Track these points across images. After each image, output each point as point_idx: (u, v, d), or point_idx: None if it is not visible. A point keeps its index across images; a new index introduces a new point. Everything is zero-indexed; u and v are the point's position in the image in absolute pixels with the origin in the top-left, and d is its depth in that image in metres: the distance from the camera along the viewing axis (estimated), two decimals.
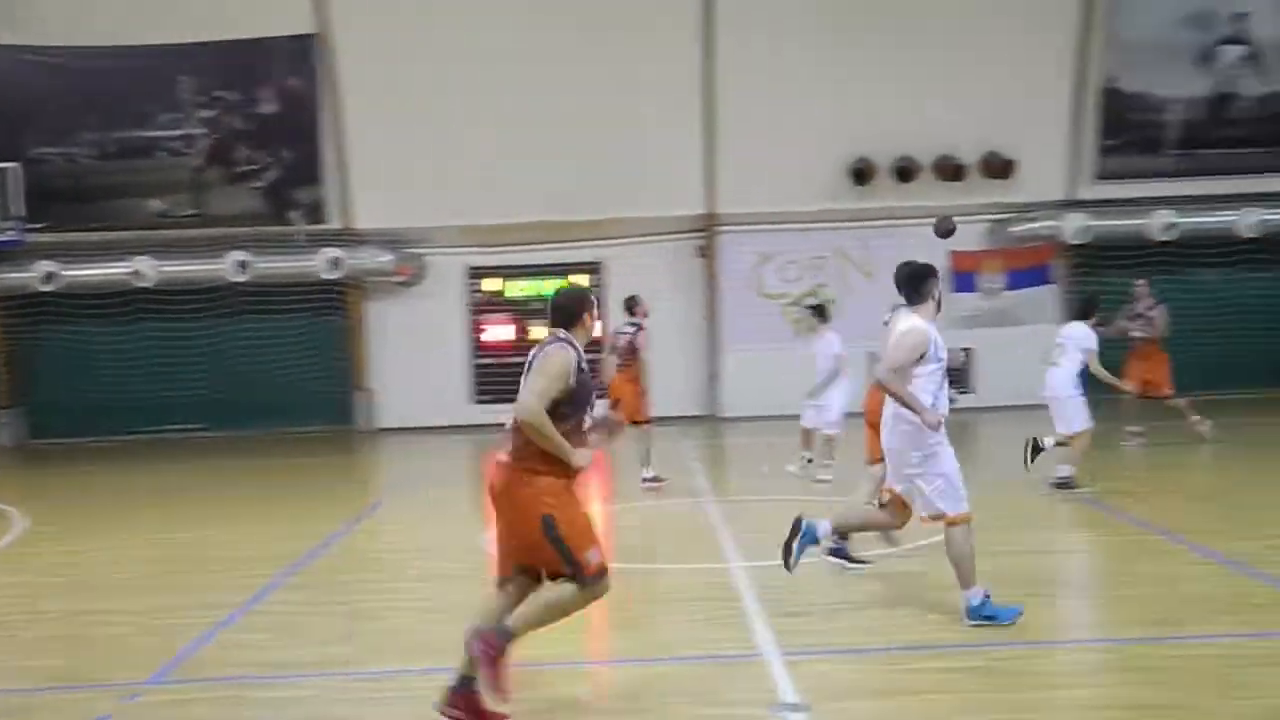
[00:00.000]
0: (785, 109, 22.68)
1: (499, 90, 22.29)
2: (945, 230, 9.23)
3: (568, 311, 6.85)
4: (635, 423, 14.30)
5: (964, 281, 23.40)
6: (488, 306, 23.96)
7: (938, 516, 8.28)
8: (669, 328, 23.59)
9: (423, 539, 12.63)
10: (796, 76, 22.61)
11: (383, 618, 9.38)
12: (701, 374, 23.86)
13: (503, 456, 6.63)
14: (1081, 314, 13.87)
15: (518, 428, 6.52)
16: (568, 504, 6.55)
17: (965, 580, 8.21)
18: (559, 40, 22.20)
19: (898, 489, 8.49)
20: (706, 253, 23.67)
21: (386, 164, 22.61)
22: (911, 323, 8.32)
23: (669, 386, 23.41)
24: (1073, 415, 13.43)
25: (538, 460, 6.48)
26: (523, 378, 6.63)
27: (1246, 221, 23.02)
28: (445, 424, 23.02)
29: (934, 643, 7.94)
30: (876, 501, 9.09)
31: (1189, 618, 8.24)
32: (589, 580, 6.52)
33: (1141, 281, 18.11)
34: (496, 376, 23.65)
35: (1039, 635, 8.03)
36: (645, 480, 14.99)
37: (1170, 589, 9.07)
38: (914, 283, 8.42)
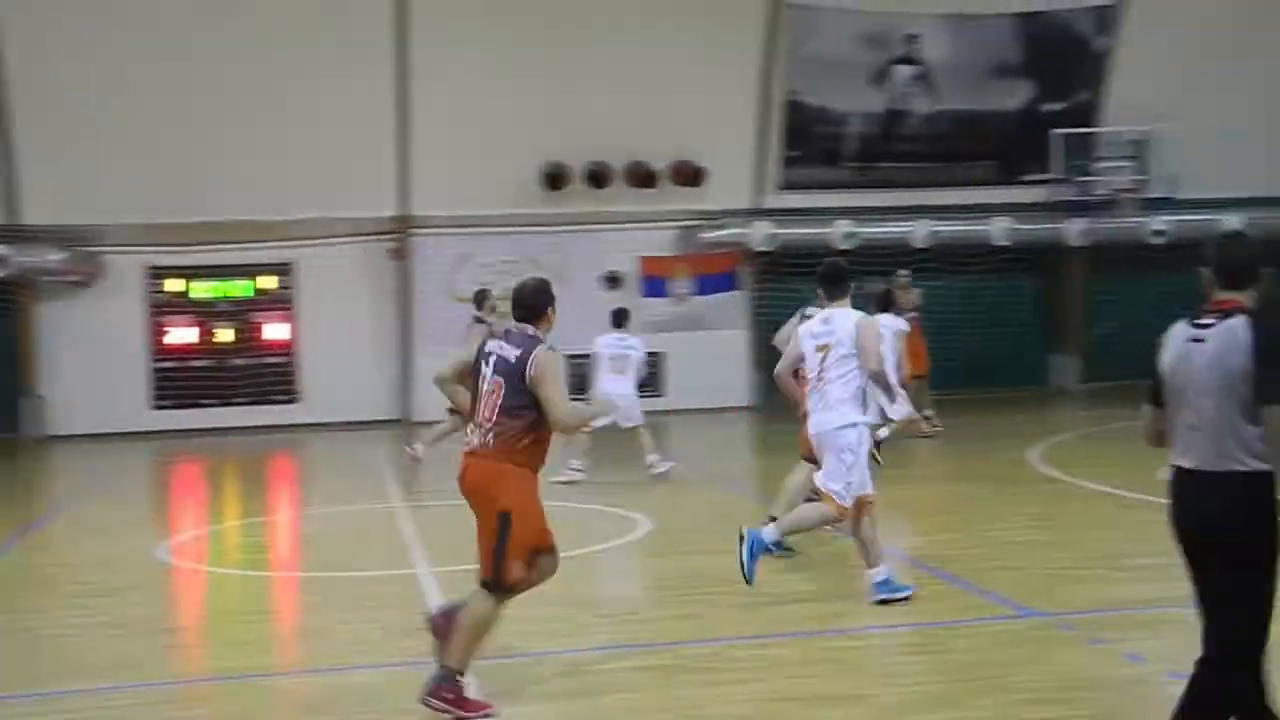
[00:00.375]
0: (481, 111, 22.58)
1: (183, 84, 21.36)
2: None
3: (534, 306, 6.97)
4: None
5: (654, 286, 23.88)
6: (170, 308, 22.93)
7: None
8: (363, 331, 23.22)
9: (95, 551, 11.96)
10: (492, 79, 22.54)
11: (46, 635, 8.82)
12: (395, 377, 23.50)
13: (478, 451, 6.68)
14: (882, 307, 14.56)
15: (496, 425, 6.62)
16: (529, 505, 6.67)
17: (873, 560, 8.70)
18: (246, 31, 21.45)
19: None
20: (401, 255, 23.33)
21: (58, 157, 21.37)
22: (857, 316, 8.77)
23: (361, 390, 23.09)
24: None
25: (517, 455, 6.61)
26: (484, 374, 6.75)
27: (919, 232, 24.29)
28: (123, 431, 21.91)
29: (619, 643, 8.02)
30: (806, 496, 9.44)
31: (866, 611, 8.59)
32: (502, 592, 6.61)
33: (905, 272, 18.82)
34: (179, 381, 22.73)
35: (721, 633, 8.22)
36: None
37: (848, 585, 9.44)
38: (838, 280, 8.91)
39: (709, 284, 24.22)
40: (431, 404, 23.45)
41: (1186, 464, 4.94)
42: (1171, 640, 7.64)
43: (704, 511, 13.29)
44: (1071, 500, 13.28)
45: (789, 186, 24.44)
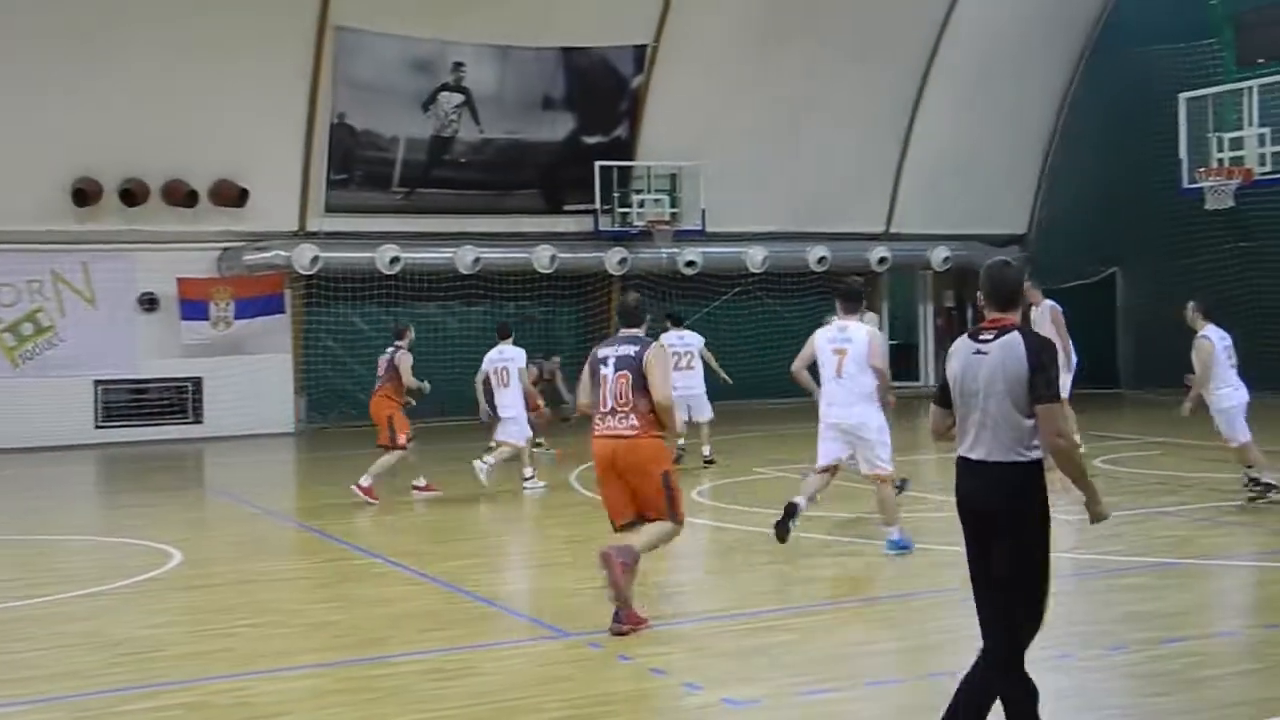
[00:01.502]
0: (8, 120, 21.05)
1: None
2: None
3: (637, 314, 9.01)
4: (389, 445, 14.76)
5: (193, 309, 22.98)
6: None
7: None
8: None
9: None
10: (24, 86, 21.04)
11: None
12: None
13: (623, 432, 8.51)
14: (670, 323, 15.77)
15: (634, 407, 8.49)
16: (671, 466, 8.90)
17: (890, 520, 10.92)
18: None
19: (843, 457, 11.00)
20: None
21: None
22: (868, 328, 10.92)
23: None
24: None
25: (657, 430, 8.60)
26: (611, 372, 8.56)
27: (465, 259, 24.54)
28: None
29: (141, 682, 7.63)
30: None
31: (398, 637, 8.56)
32: (680, 522, 8.75)
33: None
34: None
35: (254, 666, 7.97)
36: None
37: (382, 610, 9.38)
38: (854, 299, 10.91)
39: (251, 307, 23.52)
40: None
41: (975, 455, 5.70)
42: (689, 653, 8.07)
43: (236, 541, 12.86)
44: (602, 521, 13.72)
45: (335, 209, 24.13)
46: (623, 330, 8.94)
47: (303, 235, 23.86)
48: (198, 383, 23.21)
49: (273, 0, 22.40)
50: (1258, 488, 12.72)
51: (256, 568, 11.29)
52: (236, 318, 23.34)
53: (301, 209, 23.92)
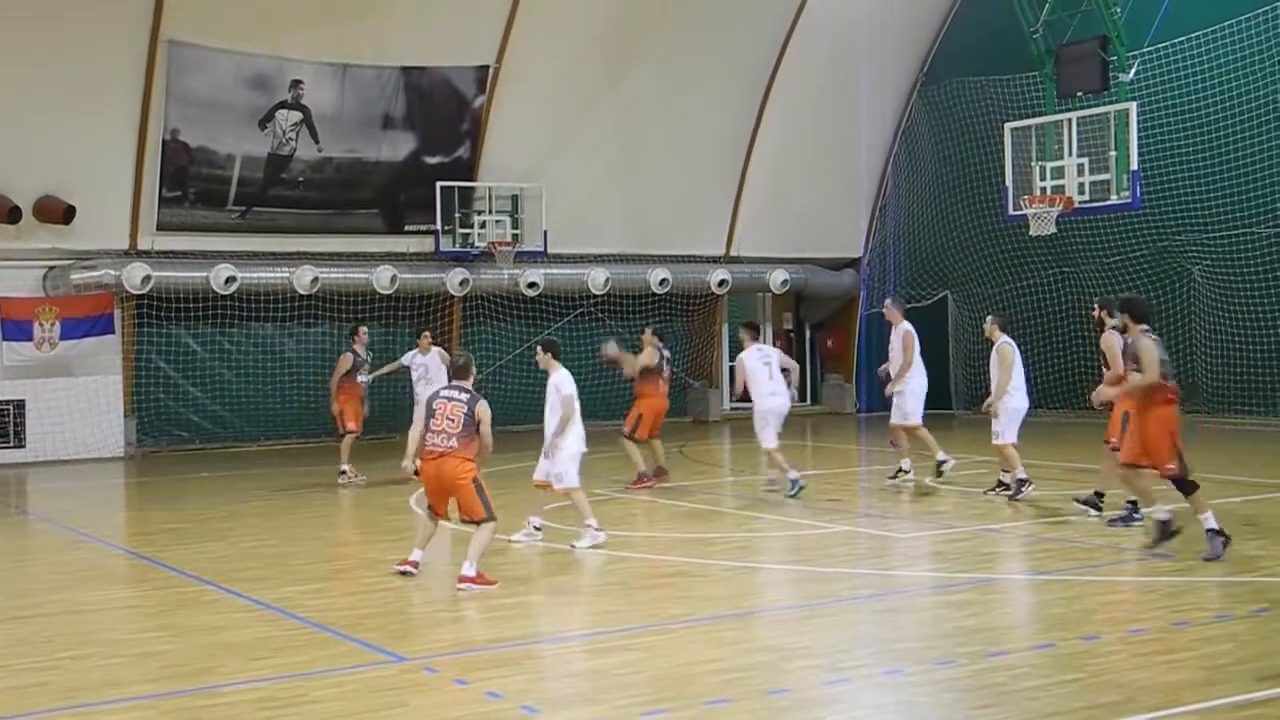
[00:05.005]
0: None
1: None
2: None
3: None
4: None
5: (16, 330, 22.21)
6: None
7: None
8: None
9: None
10: None
11: None
12: None
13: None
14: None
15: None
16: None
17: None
18: None
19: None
20: None
21: None
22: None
23: None
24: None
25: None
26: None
27: (303, 279, 24.14)
28: None
29: None
30: None
31: (229, 665, 8.37)
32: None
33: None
34: None
35: (74, 699, 7.71)
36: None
37: (213, 638, 9.17)
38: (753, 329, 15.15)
39: (79, 327, 22.76)
40: None
41: None
42: (527, 676, 8.05)
43: (60, 569, 12.42)
44: (444, 544, 13.63)
45: (168, 228, 23.53)
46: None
47: (134, 254, 23.22)
48: (20, 405, 22.41)
49: (102, 12, 21.79)
50: (1004, 489, 14.71)
51: (81, 597, 10.93)
52: (63, 338, 22.53)
53: (133, 227, 23.26)
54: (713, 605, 10.02)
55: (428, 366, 18.30)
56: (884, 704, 7.34)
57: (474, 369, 11.23)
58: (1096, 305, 13.79)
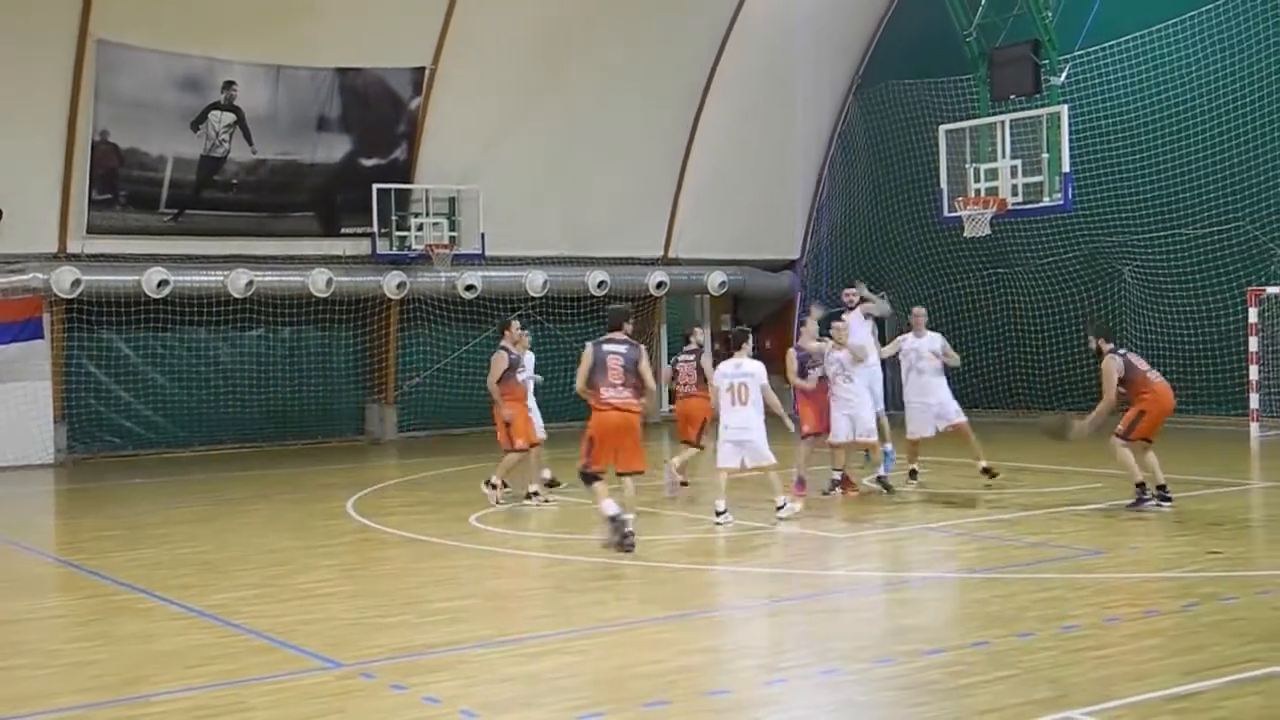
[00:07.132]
0: None
1: None
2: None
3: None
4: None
5: None
6: None
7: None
8: None
9: None
10: None
11: None
12: None
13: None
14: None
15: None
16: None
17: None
18: None
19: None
20: None
21: None
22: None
23: None
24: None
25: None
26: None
27: (238, 282, 23.89)
28: None
29: None
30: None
31: (162, 674, 8.26)
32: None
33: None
34: None
35: (17, 710, 7.58)
36: None
37: (145, 647, 9.05)
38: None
39: (6, 332, 22.42)
40: None
41: None
42: (464, 681, 7.99)
43: None
44: (381, 548, 13.59)
45: (98, 231, 23.19)
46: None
47: (63, 257, 22.86)
48: None
49: (27, 8, 21.45)
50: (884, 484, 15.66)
51: (7, 606, 10.74)
52: None
53: (61, 230, 22.90)
54: (651, 607, 10.02)
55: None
56: (822, 703, 7.37)
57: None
58: (1091, 336, 14.27)
